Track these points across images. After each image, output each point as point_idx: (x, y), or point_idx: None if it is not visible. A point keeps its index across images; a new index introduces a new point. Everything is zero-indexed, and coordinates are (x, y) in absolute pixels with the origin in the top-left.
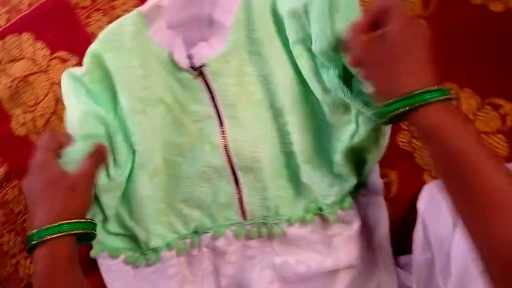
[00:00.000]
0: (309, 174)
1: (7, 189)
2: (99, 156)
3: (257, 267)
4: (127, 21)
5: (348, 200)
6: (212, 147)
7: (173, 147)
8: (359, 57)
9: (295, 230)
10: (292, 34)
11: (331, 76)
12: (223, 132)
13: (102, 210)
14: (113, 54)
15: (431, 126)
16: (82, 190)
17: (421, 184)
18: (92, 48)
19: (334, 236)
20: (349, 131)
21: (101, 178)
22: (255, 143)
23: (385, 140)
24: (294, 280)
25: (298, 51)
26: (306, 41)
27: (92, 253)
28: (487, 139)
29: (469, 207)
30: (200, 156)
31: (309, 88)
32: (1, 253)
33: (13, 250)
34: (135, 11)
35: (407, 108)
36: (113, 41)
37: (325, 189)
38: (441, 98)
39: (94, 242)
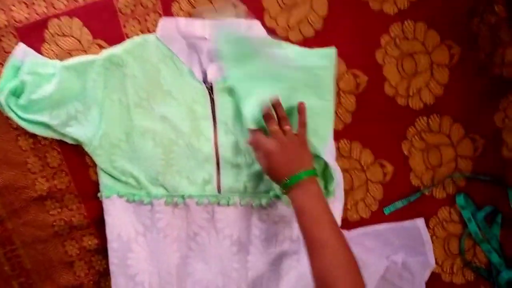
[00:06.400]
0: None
1: None
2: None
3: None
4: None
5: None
6: (206, 139)
7: (175, 130)
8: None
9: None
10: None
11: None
12: (215, 131)
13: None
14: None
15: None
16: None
17: None
18: (115, 52)
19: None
20: None
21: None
22: (238, 149)
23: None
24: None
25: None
26: None
27: (104, 195)
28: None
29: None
30: (194, 143)
31: None
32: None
33: None
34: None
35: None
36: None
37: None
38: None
39: (102, 187)
